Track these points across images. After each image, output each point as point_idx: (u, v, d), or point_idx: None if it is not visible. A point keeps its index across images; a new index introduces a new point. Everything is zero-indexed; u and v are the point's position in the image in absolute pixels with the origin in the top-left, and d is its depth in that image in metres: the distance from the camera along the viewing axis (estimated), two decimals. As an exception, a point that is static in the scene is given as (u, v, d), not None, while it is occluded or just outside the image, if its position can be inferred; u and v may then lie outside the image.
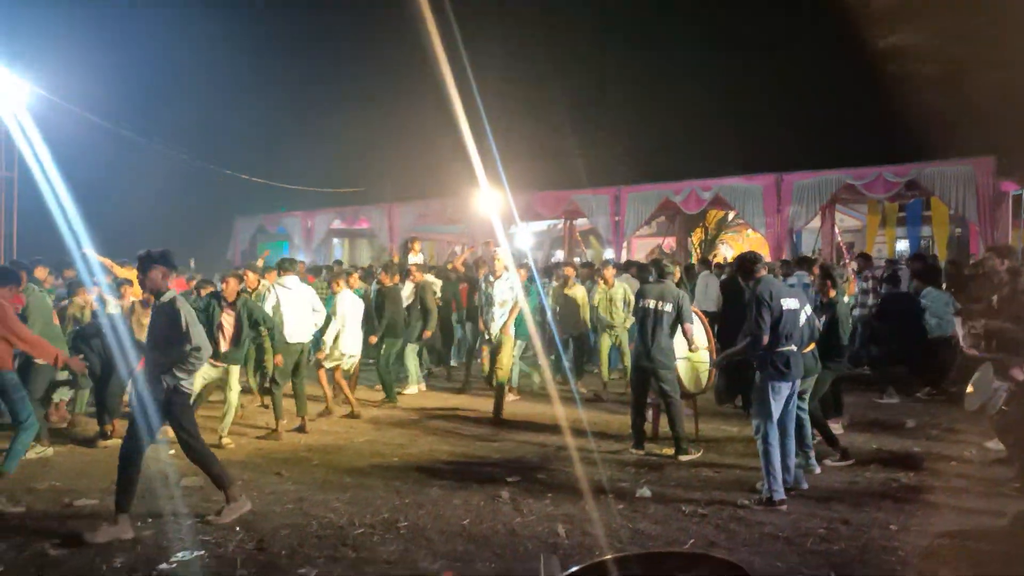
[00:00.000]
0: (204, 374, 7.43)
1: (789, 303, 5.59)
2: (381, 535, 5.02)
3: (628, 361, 9.56)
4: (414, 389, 10.18)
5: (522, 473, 6.36)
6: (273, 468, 6.64)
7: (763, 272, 5.73)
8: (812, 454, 6.27)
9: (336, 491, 5.96)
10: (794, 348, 5.59)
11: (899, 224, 23.02)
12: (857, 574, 4.29)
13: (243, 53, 25.72)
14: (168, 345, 5.07)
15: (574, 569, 2.24)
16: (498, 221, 16.81)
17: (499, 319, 8.49)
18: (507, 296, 8.51)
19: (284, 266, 8.63)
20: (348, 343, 8.84)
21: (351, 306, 8.93)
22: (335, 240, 26.16)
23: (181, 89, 26.81)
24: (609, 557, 2.28)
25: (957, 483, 5.95)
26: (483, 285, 8.76)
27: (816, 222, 18.96)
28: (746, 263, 5.85)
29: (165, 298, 5.17)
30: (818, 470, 6.24)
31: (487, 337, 8.66)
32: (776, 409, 5.53)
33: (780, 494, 5.39)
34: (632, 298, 9.68)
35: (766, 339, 5.46)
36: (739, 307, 6.17)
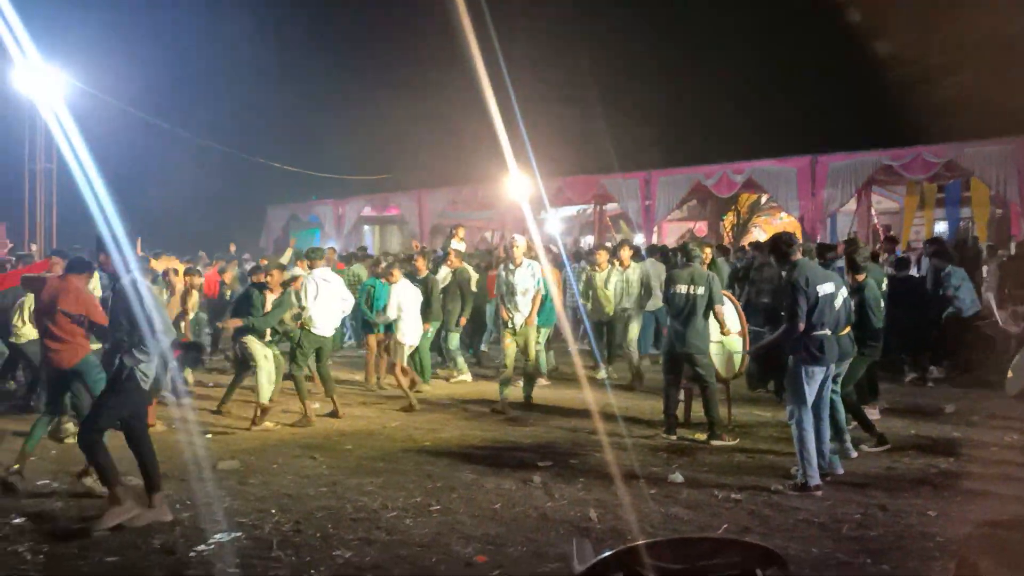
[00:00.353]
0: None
1: (825, 288, 5.48)
2: (414, 518, 5.06)
3: (634, 347, 9.57)
4: (468, 376, 10.17)
5: (553, 458, 6.37)
6: (307, 452, 6.72)
7: (799, 255, 5.63)
8: (848, 439, 6.19)
9: (369, 475, 6.02)
10: (828, 332, 5.49)
11: (938, 205, 22.50)
12: (894, 561, 4.23)
13: (275, 43, 25.98)
14: (130, 326, 4.97)
15: (607, 553, 2.24)
16: (528, 207, 16.77)
17: (523, 308, 8.26)
18: (529, 284, 8.25)
19: (312, 256, 8.67)
20: (408, 333, 8.87)
21: (409, 295, 8.95)
22: (365, 227, 26.34)
23: (214, 80, 27.14)
24: (642, 542, 2.28)
25: (998, 470, 5.84)
26: (503, 274, 8.46)
27: (852, 205, 18.61)
28: (780, 245, 5.73)
29: (126, 280, 5.08)
30: (854, 455, 6.16)
31: (509, 326, 8.37)
32: (810, 393, 5.46)
33: (815, 479, 5.33)
34: (652, 281, 9.60)
35: (802, 326, 5.38)
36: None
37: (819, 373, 5.49)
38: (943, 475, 5.74)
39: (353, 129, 26.60)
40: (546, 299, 8.74)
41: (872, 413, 7.30)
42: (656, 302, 10.71)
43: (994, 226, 21.82)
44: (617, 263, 9.91)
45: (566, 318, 10.55)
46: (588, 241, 23.74)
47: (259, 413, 7.62)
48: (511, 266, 8.39)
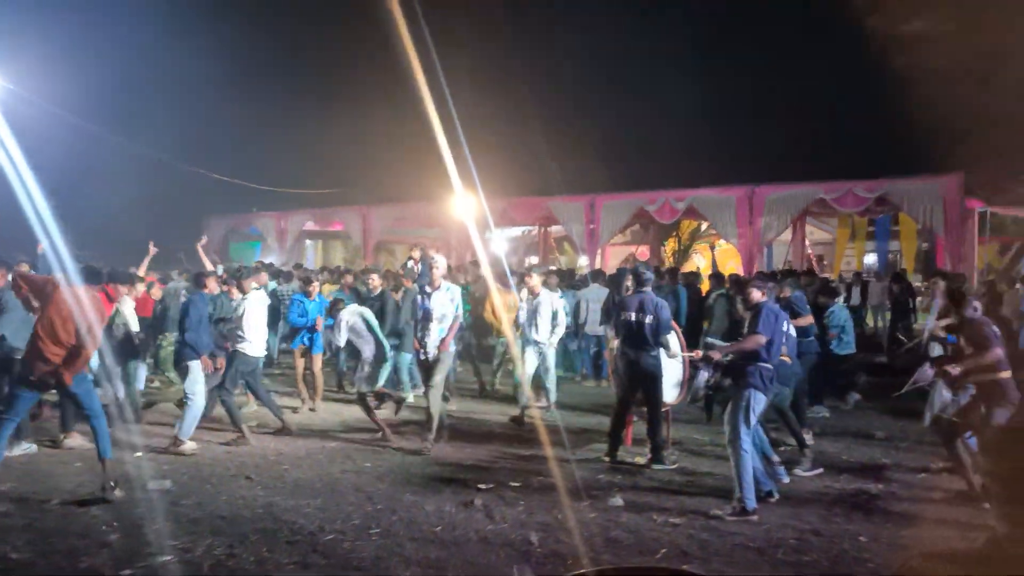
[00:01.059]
0: None
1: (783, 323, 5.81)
2: (352, 541, 4.96)
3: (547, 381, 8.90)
4: (411, 397, 10.02)
5: (496, 480, 6.34)
6: (243, 473, 6.53)
7: (762, 296, 5.84)
8: (777, 459, 6.36)
9: (307, 497, 5.89)
10: (776, 363, 5.73)
11: (868, 238, 23.42)
12: (827, 585, 4.33)
13: (219, 52, 25.49)
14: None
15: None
16: (473, 226, 16.80)
17: (435, 335, 7.44)
18: (447, 310, 7.42)
19: (241, 276, 8.47)
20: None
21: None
22: (308, 242, 25.96)
23: (154, 87, 26.49)
24: (579, 573, 2.28)
25: (926, 495, 6.04)
26: (418, 298, 7.67)
27: (787, 234, 19.18)
28: (745, 288, 6.02)
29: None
30: (786, 479, 6.31)
31: (421, 357, 7.56)
32: (755, 420, 5.60)
33: (752, 503, 5.42)
34: (561, 311, 8.92)
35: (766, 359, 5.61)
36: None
37: (765, 402, 5.64)
38: (874, 500, 5.91)
39: (298, 142, 26.29)
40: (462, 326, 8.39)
41: (807, 437, 7.52)
42: (594, 327, 10.82)
43: (921, 258, 22.80)
44: (526, 290, 9.08)
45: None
46: (532, 262, 23.88)
47: (175, 443, 7.30)
48: (427, 289, 7.58)
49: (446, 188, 16.71)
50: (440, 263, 7.67)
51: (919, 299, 16.49)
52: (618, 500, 5.81)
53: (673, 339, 7.31)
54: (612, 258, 25.13)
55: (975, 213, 15.60)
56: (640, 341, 6.90)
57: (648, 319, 6.87)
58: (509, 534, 5.12)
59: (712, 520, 5.38)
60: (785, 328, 5.94)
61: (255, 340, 7.96)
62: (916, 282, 20.87)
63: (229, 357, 7.91)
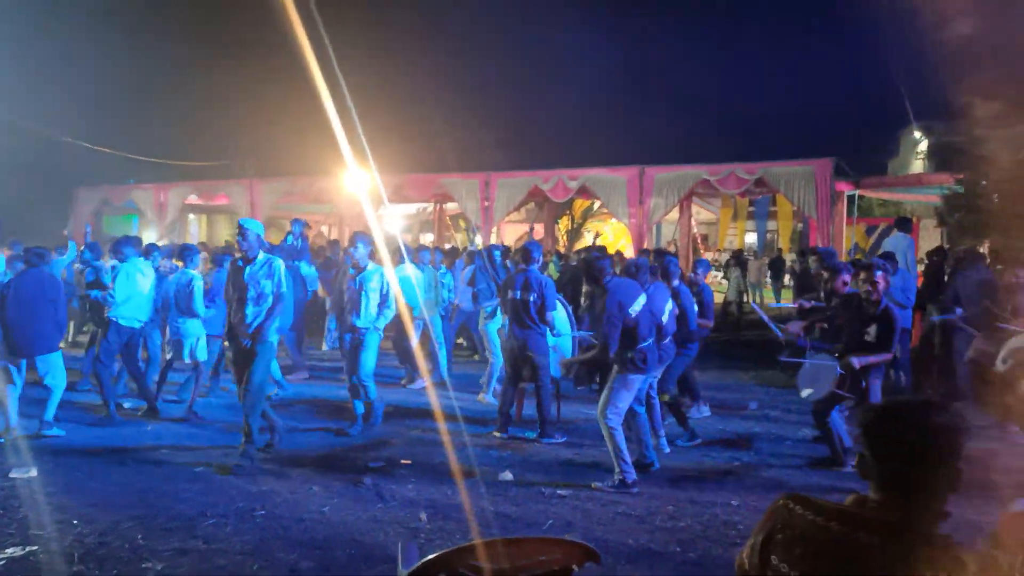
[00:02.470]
0: None
1: (639, 305, 5.70)
2: (235, 525, 4.85)
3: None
4: (304, 374, 9.91)
5: (386, 459, 6.32)
6: (117, 458, 6.24)
7: (612, 275, 5.79)
8: (663, 434, 6.63)
9: (187, 481, 5.69)
10: (651, 342, 5.80)
11: (749, 218, 24.58)
12: (700, 549, 4.57)
13: (92, 9, 23.80)
14: None
15: (431, 556, 2.25)
16: (367, 202, 16.51)
17: (364, 316, 7.12)
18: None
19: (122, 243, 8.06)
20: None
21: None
22: (191, 216, 24.81)
23: (17, 45, 24.46)
24: (466, 544, 2.31)
25: (791, 462, 6.44)
26: (342, 278, 7.46)
27: (675, 214, 19.86)
28: (592, 271, 5.80)
29: None
30: (668, 450, 6.60)
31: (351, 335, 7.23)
32: (628, 400, 5.74)
33: (632, 475, 5.61)
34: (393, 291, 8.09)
35: (615, 348, 5.61)
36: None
37: (640, 381, 5.81)
38: (745, 468, 6.27)
39: (180, 111, 25.00)
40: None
41: (702, 410, 7.91)
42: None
43: (796, 238, 24.13)
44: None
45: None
46: (428, 239, 23.74)
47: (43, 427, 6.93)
48: (351, 271, 7.30)
49: (338, 163, 16.34)
50: (363, 245, 7.07)
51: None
52: (508, 475, 5.91)
53: (562, 317, 7.47)
54: (507, 236, 25.32)
55: (844, 196, 16.63)
56: (526, 319, 7.00)
57: (532, 297, 6.97)
58: (398, 512, 5.13)
59: (597, 491, 5.57)
60: (647, 305, 5.82)
61: (129, 309, 7.58)
62: (788, 261, 22.06)
63: (104, 327, 7.55)
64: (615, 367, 5.74)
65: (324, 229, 24.02)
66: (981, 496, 5.42)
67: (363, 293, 7.11)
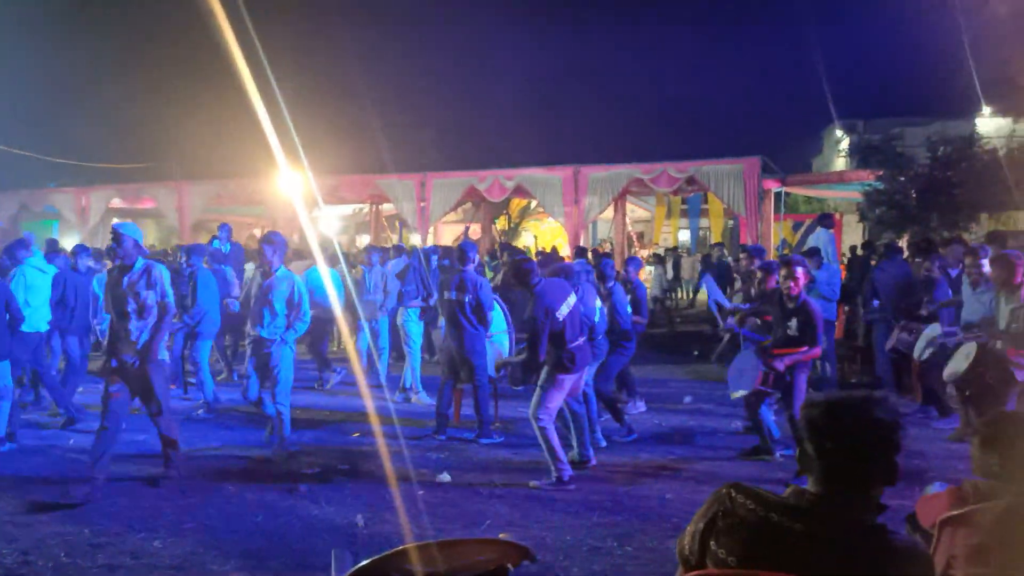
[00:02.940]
0: None
1: (568, 307, 5.73)
2: (165, 538, 4.71)
3: None
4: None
5: (322, 465, 6.23)
6: (38, 473, 5.99)
7: (540, 278, 5.80)
8: (599, 429, 6.72)
9: (113, 494, 5.49)
10: (581, 342, 5.85)
11: (682, 216, 25.07)
12: (637, 543, 4.64)
13: (9, 6, 22.73)
14: None
15: (364, 562, 2.23)
16: (301, 204, 16.24)
17: (268, 327, 6.42)
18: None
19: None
20: None
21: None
22: (115, 220, 23.92)
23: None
24: (400, 548, 2.30)
25: (724, 454, 6.60)
26: (258, 278, 6.78)
27: (610, 212, 20.12)
28: (520, 274, 5.81)
29: None
30: (604, 444, 6.69)
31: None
32: (559, 399, 5.78)
33: (568, 472, 5.65)
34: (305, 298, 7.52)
35: (543, 354, 5.64)
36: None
37: (571, 380, 5.84)
38: (680, 461, 6.40)
39: (102, 112, 24.10)
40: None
41: (638, 406, 8.04)
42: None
43: (727, 235, 24.72)
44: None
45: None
46: (365, 241, 23.47)
47: None
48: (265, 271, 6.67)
49: (270, 164, 16.02)
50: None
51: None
52: (446, 476, 5.90)
53: (498, 316, 7.49)
54: (444, 236, 25.23)
55: (771, 193, 17.13)
56: (462, 320, 7.00)
57: (468, 298, 6.98)
58: (335, 518, 5.06)
59: (535, 489, 5.60)
60: (576, 306, 5.87)
61: (32, 316, 7.26)
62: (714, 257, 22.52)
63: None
64: (545, 368, 5.77)
65: (256, 232, 23.51)
66: (903, 480, 5.68)
67: (270, 300, 6.38)
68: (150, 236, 25.19)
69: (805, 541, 1.85)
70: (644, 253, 24.53)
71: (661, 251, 21.85)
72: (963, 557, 2.60)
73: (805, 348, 5.99)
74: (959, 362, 6.13)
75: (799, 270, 6.09)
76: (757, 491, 1.99)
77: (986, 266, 6.50)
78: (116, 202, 21.28)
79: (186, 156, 22.27)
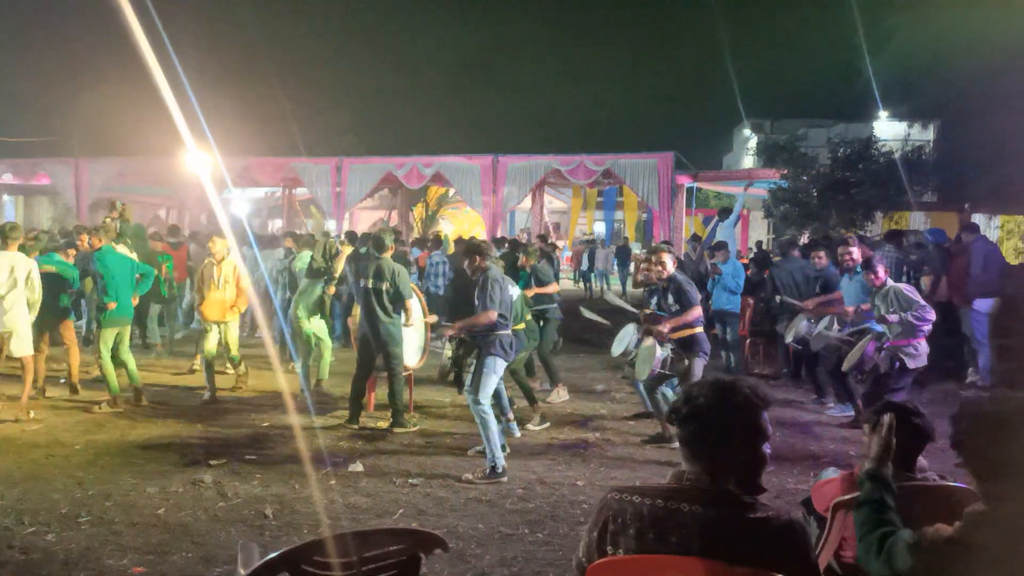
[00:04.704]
0: None
1: (512, 291, 6.03)
2: (58, 533, 4.48)
3: None
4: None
5: (229, 455, 6.05)
6: (-85, 466, 5.60)
7: (489, 263, 5.93)
8: (512, 417, 6.79)
9: (2, 487, 5.19)
10: (511, 329, 6.00)
11: (598, 208, 25.49)
12: (548, 528, 4.71)
13: None
14: None
15: (272, 555, 2.19)
16: (210, 185, 15.68)
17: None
18: (230, 280, 8.08)
19: None
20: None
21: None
22: (5, 197, 22.52)
23: None
24: (310, 540, 2.27)
25: (633, 440, 6.76)
26: (205, 266, 8.15)
27: (527, 203, 20.26)
28: (474, 254, 5.94)
29: None
30: (518, 434, 6.75)
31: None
32: (495, 384, 5.85)
33: (501, 463, 5.63)
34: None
35: (494, 318, 5.74)
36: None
37: (504, 367, 5.92)
38: (591, 448, 6.52)
39: (-9, 81, 22.58)
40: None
41: (561, 394, 8.15)
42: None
43: (641, 228, 25.28)
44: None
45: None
46: (277, 225, 22.87)
47: None
48: (213, 260, 8.09)
49: (177, 143, 15.37)
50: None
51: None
52: (358, 466, 5.83)
53: (415, 305, 7.43)
54: (361, 222, 24.86)
55: (684, 188, 17.60)
56: (378, 308, 6.92)
57: (385, 286, 6.91)
58: (242, 509, 4.93)
59: (450, 479, 5.59)
60: (515, 294, 6.26)
61: None
62: (636, 250, 23.05)
63: None
64: (484, 353, 5.80)
65: (162, 213, 22.57)
66: (799, 465, 5.97)
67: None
68: (43, 215, 23.83)
69: (691, 518, 1.94)
70: (561, 243, 24.82)
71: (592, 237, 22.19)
72: (853, 538, 2.75)
73: (688, 314, 6.36)
74: (855, 355, 6.50)
75: (668, 257, 6.57)
76: (638, 486, 2.10)
77: (855, 254, 7.41)
78: (7, 178, 20.06)
79: (86, 131, 21.12)
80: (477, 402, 5.72)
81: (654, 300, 6.97)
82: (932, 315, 6.25)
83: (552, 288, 8.77)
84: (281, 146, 19.95)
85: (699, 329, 6.58)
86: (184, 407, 7.65)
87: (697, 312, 6.49)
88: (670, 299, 6.53)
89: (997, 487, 1.99)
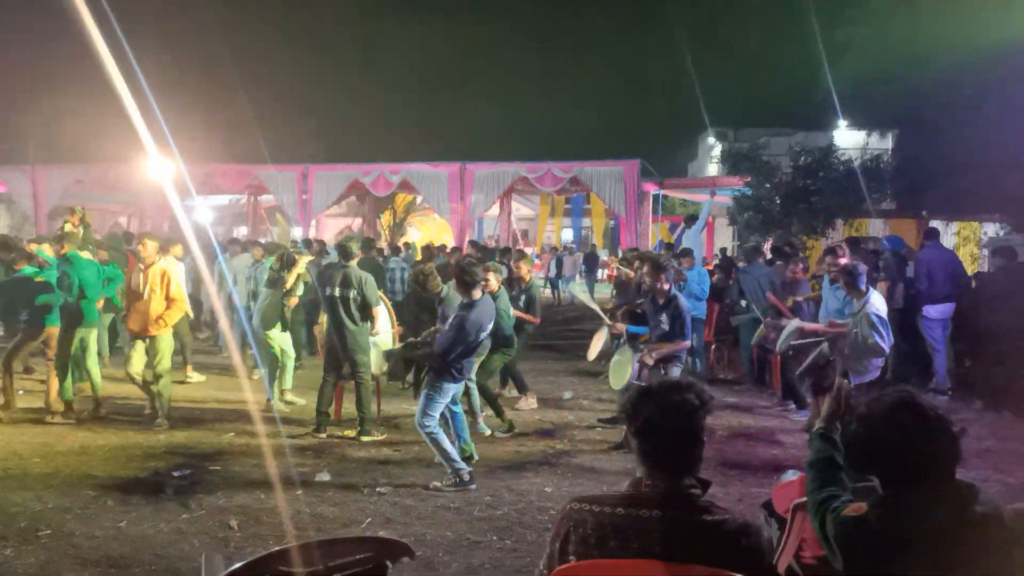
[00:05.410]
0: None
1: (488, 327, 5.78)
2: (17, 547, 4.39)
3: None
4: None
5: (193, 466, 5.96)
6: None
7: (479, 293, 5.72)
8: (481, 417, 6.86)
9: (-44, 503, 5.07)
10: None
11: (566, 215, 25.62)
12: (516, 535, 4.73)
13: None
14: None
15: (236, 565, 2.17)
16: (172, 192, 15.45)
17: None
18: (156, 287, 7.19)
19: None
20: None
21: None
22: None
23: None
24: (274, 549, 2.25)
25: (600, 447, 6.80)
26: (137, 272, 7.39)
27: (495, 210, 20.29)
28: (464, 278, 5.65)
29: None
30: (487, 432, 6.81)
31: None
32: (442, 406, 5.73)
33: (466, 470, 5.59)
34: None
35: (452, 357, 5.57)
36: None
37: (454, 389, 5.85)
38: (559, 455, 6.55)
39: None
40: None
41: (531, 403, 8.14)
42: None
43: (609, 235, 25.45)
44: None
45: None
46: (242, 232, 22.60)
47: None
48: (141, 265, 7.38)
49: (138, 149, 15.12)
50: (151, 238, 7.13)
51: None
52: (325, 476, 5.79)
53: (382, 314, 7.40)
54: (327, 230, 24.67)
55: (650, 195, 17.79)
56: (344, 316, 6.88)
57: (352, 294, 6.87)
58: (206, 521, 4.87)
59: (418, 488, 5.55)
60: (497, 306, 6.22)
61: None
62: (603, 256, 23.24)
63: None
64: (433, 375, 5.69)
65: (123, 220, 22.18)
66: (763, 470, 6.05)
67: None
68: (1, 224, 23.29)
69: (650, 523, 1.98)
70: (529, 251, 24.88)
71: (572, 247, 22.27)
72: (811, 540, 2.81)
73: (676, 343, 6.33)
74: (811, 356, 6.63)
75: (666, 272, 6.50)
76: (597, 495, 2.14)
77: (842, 262, 7.03)
78: (-39, 185, 19.53)
79: (43, 138, 20.68)
80: (422, 425, 5.61)
81: (619, 299, 7.04)
82: (881, 362, 6.37)
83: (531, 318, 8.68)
84: (246, 153, 19.76)
85: (684, 343, 6.61)
86: (146, 418, 7.51)
87: (686, 346, 6.50)
88: (663, 316, 6.42)
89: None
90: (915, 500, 1.96)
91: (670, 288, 6.50)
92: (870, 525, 2.00)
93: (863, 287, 6.37)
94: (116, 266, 9.89)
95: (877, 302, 6.36)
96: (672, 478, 2.05)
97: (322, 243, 13.59)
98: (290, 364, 8.32)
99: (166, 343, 7.32)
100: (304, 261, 8.48)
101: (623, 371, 6.53)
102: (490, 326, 5.83)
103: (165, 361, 7.27)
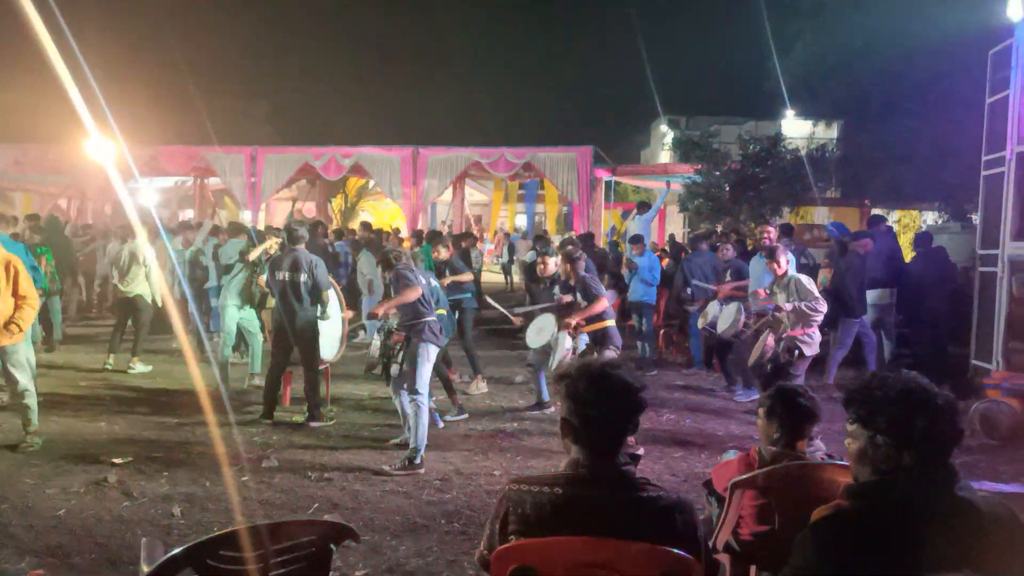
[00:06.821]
0: None
1: (427, 278, 6.15)
2: (-51, 539, 4.26)
3: None
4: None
5: (135, 452, 5.85)
6: None
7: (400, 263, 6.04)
8: (434, 406, 6.82)
9: None
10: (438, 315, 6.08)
11: (519, 200, 25.63)
12: (464, 519, 4.75)
13: None
14: None
15: (175, 551, 2.15)
16: (116, 174, 15.00)
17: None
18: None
19: None
20: None
21: None
22: None
23: None
24: (215, 535, 2.24)
25: (549, 429, 6.85)
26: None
27: (448, 195, 20.21)
28: (388, 260, 6.09)
29: None
30: (441, 425, 6.77)
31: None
32: (430, 370, 5.85)
33: (421, 452, 5.63)
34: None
35: (415, 298, 5.77)
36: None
37: (436, 353, 5.92)
38: (509, 438, 6.60)
39: None
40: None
41: (480, 386, 8.23)
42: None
43: (562, 221, 25.56)
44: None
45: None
46: (189, 215, 22.09)
47: None
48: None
49: (78, 129, 14.64)
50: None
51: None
52: (273, 461, 5.74)
53: (332, 297, 7.34)
54: (277, 214, 24.29)
55: (603, 182, 17.90)
56: (294, 301, 6.81)
57: (303, 277, 6.81)
58: (148, 509, 4.79)
59: (367, 472, 5.55)
60: (432, 283, 6.32)
61: None
62: (556, 242, 23.24)
63: None
64: (415, 341, 5.76)
65: (63, 203, 21.49)
66: (708, 450, 6.19)
67: None
68: (-68, 204, 22.33)
69: (588, 504, 2.02)
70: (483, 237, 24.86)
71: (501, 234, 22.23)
72: (749, 516, 2.90)
73: (594, 304, 6.72)
74: (758, 350, 6.81)
75: (578, 253, 7.03)
76: (535, 475, 2.17)
77: (773, 234, 8.35)
78: None
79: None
80: (415, 391, 5.67)
81: (556, 289, 7.23)
82: (824, 307, 6.55)
83: (466, 277, 8.79)
84: (192, 135, 19.27)
85: (610, 322, 6.76)
86: (85, 404, 7.34)
87: (603, 304, 6.69)
88: (578, 296, 6.84)
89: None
90: (898, 484, 1.85)
91: (580, 273, 6.93)
92: (848, 518, 1.89)
93: (782, 262, 6.82)
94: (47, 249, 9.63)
95: (800, 275, 6.86)
96: (607, 456, 2.09)
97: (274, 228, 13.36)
98: (258, 346, 8.27)
99: (22, 354, 5.75)
100: (275, 241, 8.39)
101: (542, 334, 6.93)
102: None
103: (24, 378, 5.76)
